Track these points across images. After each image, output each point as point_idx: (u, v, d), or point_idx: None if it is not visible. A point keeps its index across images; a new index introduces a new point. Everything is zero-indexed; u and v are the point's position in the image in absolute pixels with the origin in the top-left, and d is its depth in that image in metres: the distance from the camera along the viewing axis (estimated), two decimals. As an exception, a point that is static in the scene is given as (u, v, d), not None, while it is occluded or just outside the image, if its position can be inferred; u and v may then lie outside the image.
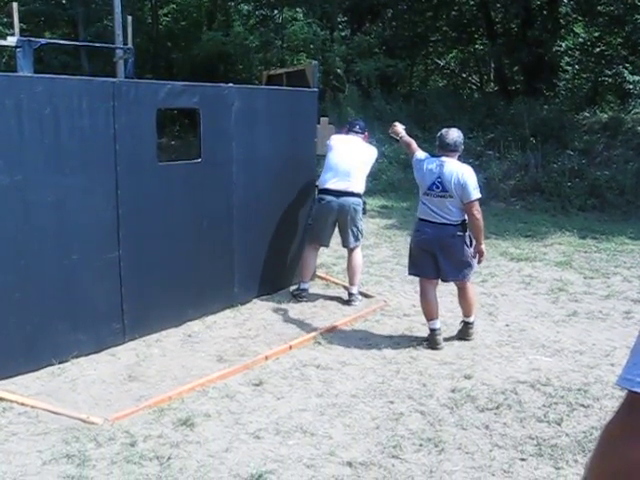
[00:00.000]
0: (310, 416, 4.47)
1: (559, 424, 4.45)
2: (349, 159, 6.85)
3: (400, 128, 6.47)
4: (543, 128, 15.30)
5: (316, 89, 7.60)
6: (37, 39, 10.76)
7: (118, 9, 18.00)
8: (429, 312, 5.88)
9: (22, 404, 4.56)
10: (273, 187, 6.93)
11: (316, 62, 8.75)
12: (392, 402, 4.75)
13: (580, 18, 19.45)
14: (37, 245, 5.07)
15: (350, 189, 6.82)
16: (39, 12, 24.11)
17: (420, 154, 6.01)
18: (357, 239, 6.98)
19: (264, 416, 4.50)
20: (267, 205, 6.92)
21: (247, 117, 6.52)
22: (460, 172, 5.67)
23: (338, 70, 18.89)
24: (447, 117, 17.44)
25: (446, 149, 5.80)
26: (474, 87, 24.28)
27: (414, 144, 6.22)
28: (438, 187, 5.67)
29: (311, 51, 21.56)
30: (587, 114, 16.37)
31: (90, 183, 5.34)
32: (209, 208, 6.28)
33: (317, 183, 7.02)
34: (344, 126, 7.44)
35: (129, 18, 13.87)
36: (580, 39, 19.80)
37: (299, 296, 6.94)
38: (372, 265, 8.37)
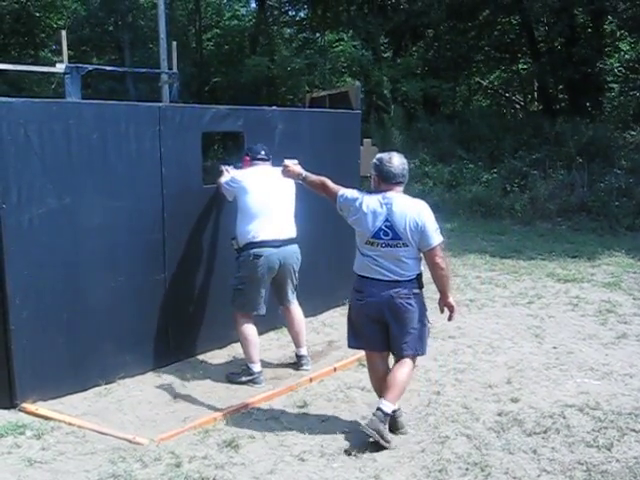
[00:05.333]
0: (355, 440, 4.44)
1: (609, 449, 4.34)
2: (275, 197, 5.49)
3: (297, 167, 4.84)
4: (589, 147, 15.12)
5: (359, 111, 7.64)
6: (85, 65, 11.05)
7: (163, 34, 18.34)
8: (380, 390, 4.59)
9: (70, 424, 4.63)
10: (317, 209, 6.94)
11: (359, 84, 8.80)
12: (437, 425, 4.69)
13: (626, 35, 19.23)
14: (85, 267, 5.17)
15: (289, 235, 5.56)
16: (86, 39, 24.81)
17: (348, 191, 4.54)
18: (295, 289, 5.78)
19: (309, 438, 4.49)
20: (311, 226, 6.93)
21: (290, 139, 6.57)
22: (415, 211, 4.39)
23: (385, 91, 18.95)
24: (491, 137, 17.38)
25: (390, 181, 4.44)
26: (518, 106, 24.13)
27: (329, 181, 4.68)
28: (387, 234, 4.34)
29: (355, 72, 21.69)
30: (634, 132, 16.14)
31: (137, 206, 5.44)
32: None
33: (236, 238, 5.50)
34: (245, 155, 5.77)
35: (174, 43, 14.16)
36: (626, 56, 19.54)
37: (252, 382, 5.43)
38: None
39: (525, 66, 22.51)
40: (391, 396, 4.39)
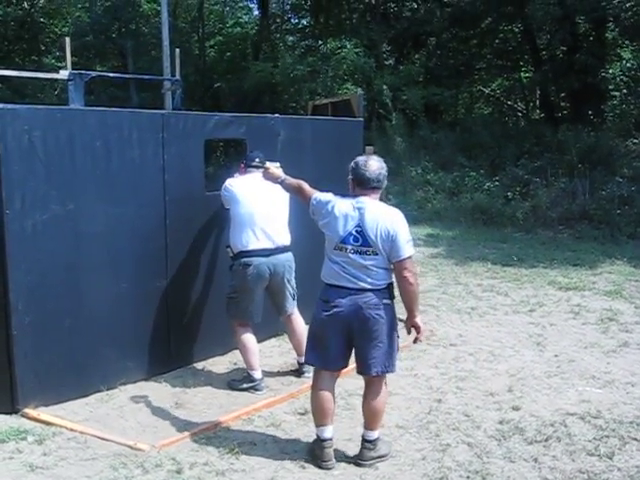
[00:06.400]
0: (355, 446, 4.43)
1: (611, 458, 4.34)
2: (267, 206, 5.43)
3: (277, 170, 4.80)
4: (591, 155, 15.15)
5: (362, 119, 7.65)
6: (88, 72, 11.06)
7: (166, 42, 18.48)
8: (322, 413, 4.29)
9: (71, 429, 4.64)
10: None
11: (362, 92, 8.82)
12: (438, 433, 4.70)
13: (628, 42, 19.27)
14: (87, 273, 5.19)
15: (280, 243, 5.50)
16: (90, 46, 24.88)
17: (322, 195, 4.37)
18: (294, 298, 5.70)
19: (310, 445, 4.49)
20: (312, 234, 6.93)
21: (293, 147, 6.59)
22: (388, 220, 4.15)
23: (386, 99, 18.99)
24: (493, 145, 17.43)
25: (365, 186, 4.22)
26: (520, 114, 24.19)
27: (305, 185, 4.54)
28: (357, 240, 4.13)
29: (357, 80, 21.74)
30: (636, 140, 16.16)
31: (139, 212, 5.46)
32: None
33: (230, 246, 5.51)
34: (241, 162, 5.76)
35: (177, 50, 14.19)
36: (628, 64, 19.58)
37: (253, 388, 5.44)
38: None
39: (527, 74, 22.55)
40: (374, 425, 4.31)
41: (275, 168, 4.80)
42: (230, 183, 5.57)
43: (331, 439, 4.29)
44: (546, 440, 4.58)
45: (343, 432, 4.67)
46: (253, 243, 5.38)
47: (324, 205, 4.29)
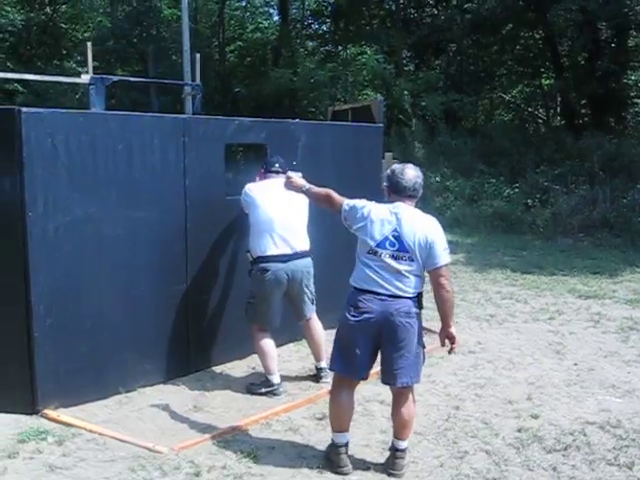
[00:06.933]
0: (373, 452, 4.44)
1: (630, 468, 4.30)
2: (286, 211, 5.43)
3: (301, 180, 4.69)
4: (612, 162, 15.06)
5: (382, 125, 7.65)
6: (109, 76, 11.13)
7: (187, 47, 18.59)
8: (340, 420, 4.28)
9: (90, 431, 4.67)
10: (333, 222, 6.95)
11: (382, 98, 8.83)
12: (456, 440, 4.68)
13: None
14: (108, 276, 5.22)
15: (298, 249, 5.50)
16: (111, 50, 25.09)
17: (356, 200, 4.34)
18: (313, 303, 5.70)
19: (327, 451, 4.49)
20: (332, 239, 6.94)
21: (313, 152, 6.60)
22: (426, 226, 4.14)
23: (405, 105, 18.99)
24: (513, 152, 17.37)
25: (401, 194, 4.21)
26: (540, 121, 24.07)
27: (334, 193, 4.46)
28: (393, 244, 4.08)
29: (377, 85, 21.75)
30: (658, 148, 16.03)
31: (160, 217, 5.49)
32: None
33: (249, 251, 5.52)
34: (261, 167, 5.78)
35: (197, 55, 14.26)
36: (651, 71, 19.48)
37: (271, 393, 5.44)
38: (436, 300, 8.31)
39: (548, 81, 22.46)
40: (405, 434, 4.27)
41: (297, 177, 4.74)
42: (250, 188, 5.59)
43: (347, 445, 4.27)
44: (565, 449, 4.55)
45: (361, 438, 4.66)
46: (271, 249, 5.39)
47: (359, 210, 4.24)
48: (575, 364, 6.29)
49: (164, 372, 5.62)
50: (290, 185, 4.71)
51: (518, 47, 22.34)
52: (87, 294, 5.11)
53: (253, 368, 6.00)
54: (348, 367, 4.22)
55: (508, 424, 4.95)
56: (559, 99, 22.72)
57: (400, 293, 4.08)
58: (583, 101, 20.40)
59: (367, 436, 4.71)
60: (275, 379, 5.46)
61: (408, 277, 4.09)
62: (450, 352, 4.33)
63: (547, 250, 12.41)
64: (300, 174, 4.85)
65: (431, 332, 7.09)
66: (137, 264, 5.39)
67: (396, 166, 4.32)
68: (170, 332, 5.67)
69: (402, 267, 4.08)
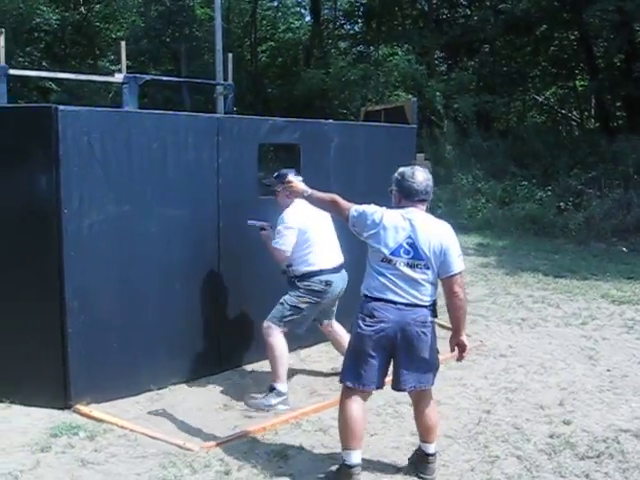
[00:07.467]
0: (403, 454, 4.41)
1: (666, 477, 4.23)
2: (323, 225, 5.40)
3: (301, 184, 4.51)
4: (647, 166, 14.85)
5: (415, 126, 7.62)
6: (142, 75, 11.21)
7: (219, 46, 18.69)
8: (352, 435, 4.01)
9: (122, 427, 4.71)
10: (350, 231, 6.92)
11: (415, 99, 8.79)
12: (487, 445, 4.64)
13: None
14: (141, 274, 5.27)
15: (341, 260, 5.49)
16: (144, 50, 25.32)
17: (365, 206, 4.14)
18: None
19: (357, 452, 4.47)
20: (350, 248, 6.88)
21: (346, 153, 6.59)
22: (440, 233, 4.02)
23: (437, 106, 18.90)
24: (545, 154, 17.19)
25: (413, 198, 4.05)
26: (574, 123, 23.81)
27: (339, 198, 4.25)
28: (408, 252, 3.94)
29: (409, 86, 21.68)
30: (695, 152, 15.76)
31: (193, 215, 5.53)
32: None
33: (292, 265, 5.34)
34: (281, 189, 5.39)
35: (229, 55, 14.32)
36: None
37: (284, 404, 5.22)
38: (468, 304, 8.23)
39: (582, 82, 22.21)
40: (431, 438, 4.21)
41: (298, 182, 4.58)
42: (288, 221, 5.28)
43: (359, 465, 4.02)
44: (598, 456, 4.48)
45: (391, 440, 4.66)
46: (324, 262, 5.32)
47: (369, 216, 4.06)
48: (608, 370, 6.20)
49: (195, 370, 5.66)
50: (290, 189, 4.58)
51: (552, 48, 22.11)
52: (120, 291, 5.16)
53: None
54: (359, 378, 4.04)
55: (540, 429, 4.90)
56: (593, 101, 22.47)
57: (417, 302, 3.97)
58: (618, 103, 20.18)
59: (397, 438, 4.69)
60: (285, 388, 5.28)
61: (424, 285, 3.97)
62: (459, 360, 4.32)
63: (579, 254, 12.26)
64: (300, 178, 4.78)
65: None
66: (170, 262, 5.42)
67: (405, 169, 4.12)
68: (202, 330, 5.70)
69: (418, 275, 3.96)
